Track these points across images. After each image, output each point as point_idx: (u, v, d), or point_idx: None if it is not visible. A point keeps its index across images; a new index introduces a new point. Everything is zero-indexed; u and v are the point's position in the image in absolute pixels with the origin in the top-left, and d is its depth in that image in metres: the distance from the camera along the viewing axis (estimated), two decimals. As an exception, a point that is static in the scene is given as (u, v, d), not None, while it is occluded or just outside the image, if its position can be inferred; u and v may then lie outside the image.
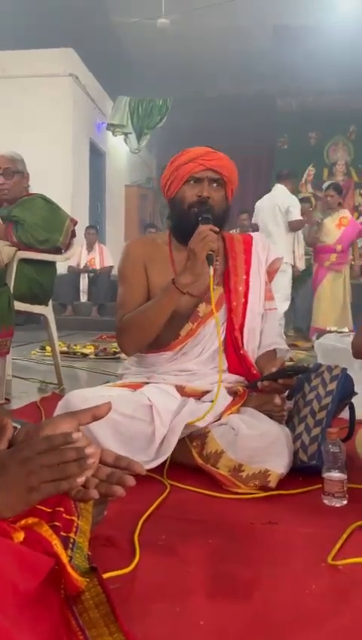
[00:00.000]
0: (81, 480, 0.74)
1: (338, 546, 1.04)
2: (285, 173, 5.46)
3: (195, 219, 1.60)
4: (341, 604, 0.86)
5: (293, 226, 5.17)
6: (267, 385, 1.49)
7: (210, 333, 1.67)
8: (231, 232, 4.70)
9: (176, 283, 1.54)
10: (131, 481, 0.83)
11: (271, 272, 1.83)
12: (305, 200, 6.73)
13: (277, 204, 5.15)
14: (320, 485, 1.30)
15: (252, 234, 1.87)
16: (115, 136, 9.58)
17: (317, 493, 1.31)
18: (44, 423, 0.87)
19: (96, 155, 9.52)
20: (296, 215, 5.15)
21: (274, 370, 1.51)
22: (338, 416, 1.60)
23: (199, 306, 1.68)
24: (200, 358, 1.69)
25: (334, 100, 10.43)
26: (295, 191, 5.70)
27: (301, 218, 5.24)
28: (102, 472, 0.85)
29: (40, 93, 7.95)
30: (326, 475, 1.29)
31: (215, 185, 1.66)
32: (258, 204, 5.41)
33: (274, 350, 1.74)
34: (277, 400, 1.49)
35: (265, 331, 1.75)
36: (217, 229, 1.56)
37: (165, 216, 9.86)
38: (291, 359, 3.49)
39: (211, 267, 1.52)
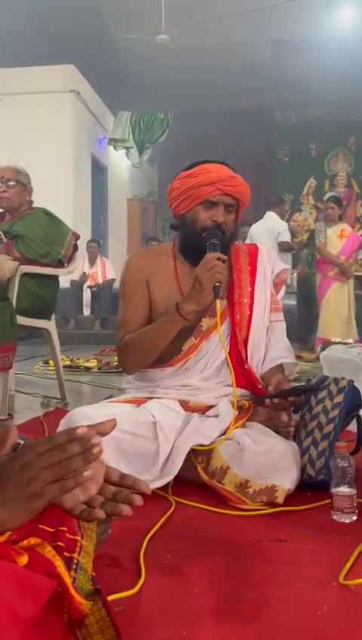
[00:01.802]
0: (87, 474, 0.69)
1: (349, 564, 1.01)
2: (274, 200, 6.45)
3: (204, 241, 1.58)
4: (354, 628, 0.83)
5: (282, 247, 5.99)
6: (276, 402, 1.46)
7: (214, 348, 1.64)
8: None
9: (180, 310, 1.52)
10: (138, 500, 0.79)
11: (278, 284, 1.80)
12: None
13: (273, 230, 6.04)
14: (329, 501, 1.27)
15: (258, 245, 1.84)
16: (117, 150, 9.65)
17: (326, 508, 1.28)
18: (45, 439, 0.85)
19: (98, 170, 9.57)
20: (286, 238, 6.05)
21: (284, 388, 1.48)
22: (346, 429, 1.58)
23: (202, 320, 1.65)
24: (204, 374, 1.66)
25: (334, 111, 10.50)
26: (282, 215, 6.61)
27: (289, 241, 6.13)
28: (107, 490, 0.82)
29: (41, 109, 8.02)
30: (334, 490, 1.26)
31: (229, 210, 1.63)
32: (253, 229, 6.25)
33: (281, 365, 1.69)
34: (285, 417, 1.46)
35: (271, 344, 1.70)
36: (225, 258, 1.54)
37: (167, 229, 9.93)
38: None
39: (218, 300, 1.51)
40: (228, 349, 1.64)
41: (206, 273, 1.49)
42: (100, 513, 0.75)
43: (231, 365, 1.58)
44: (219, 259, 1.51)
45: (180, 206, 1.65)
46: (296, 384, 1.56)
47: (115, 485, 0.83)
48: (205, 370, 1.66)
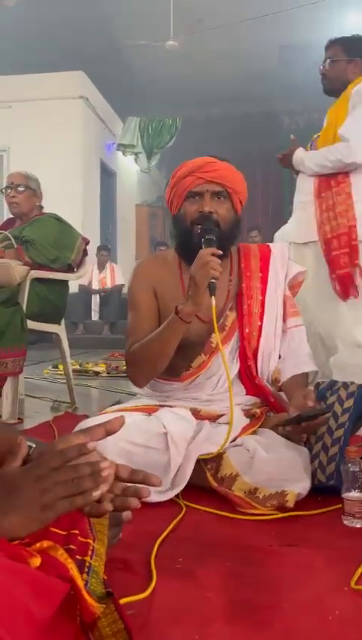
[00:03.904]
0: (96, 494, 0.72)
1: (360, 569, 1.01)
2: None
3: (199, 237, 1.50)
4: (366, 632, 0.83)
5: None
6: (290, 430, 1.42)
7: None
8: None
9: (180, 313, 1.45)
10: (146, 492, 0.82)
11: (295, 286, 1.71)
12: None
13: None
14: (340, 505, 1.27)
15: (271, 246, 1.73)
16: (126, 156, 9.71)
17: (337, 513, 1.27)
18: (57, 441, 0.86)
19: (107, 175, 9.62)
20: None
21: (309, 404, 1.41)
22: (356, 434, 1.57)
23: (212, 336, 1.57)
24: (216, 390, 1.61)
25: (342, 116, 10.47)
26: None
27: None
28: (117, 486, 0.84)
29: (51, 115, 8.09)
30: (345, 495, 1.25)
31: (219, 198, 1.54)
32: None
33: (305, 374, 1.60)
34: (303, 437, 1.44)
35: (291, 351, 1.61)
36: (219, 252, 1.44)
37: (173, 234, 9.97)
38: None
39: (213, 297, 1.43)
40: (238, 363, 1.61)
41: (199, 270, 1.41)
42: (108, 506, 0.77)
43: (229, 380, 1.48)
44: (213, 254, 1.42)
45: (172, 207, 1.60)
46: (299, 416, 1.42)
47: (125, 482, 0.85)
48: (216, 388, 1.61)
